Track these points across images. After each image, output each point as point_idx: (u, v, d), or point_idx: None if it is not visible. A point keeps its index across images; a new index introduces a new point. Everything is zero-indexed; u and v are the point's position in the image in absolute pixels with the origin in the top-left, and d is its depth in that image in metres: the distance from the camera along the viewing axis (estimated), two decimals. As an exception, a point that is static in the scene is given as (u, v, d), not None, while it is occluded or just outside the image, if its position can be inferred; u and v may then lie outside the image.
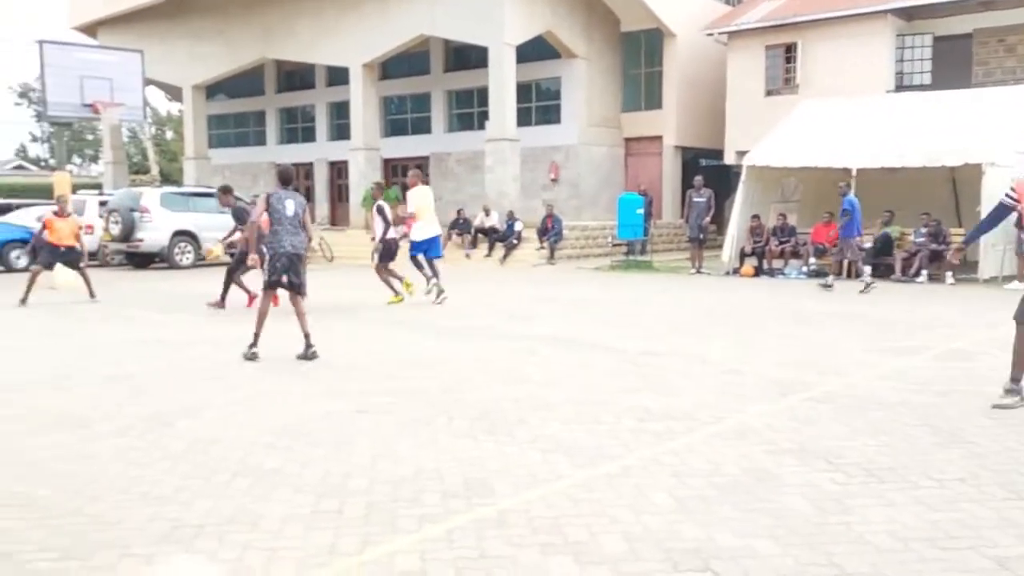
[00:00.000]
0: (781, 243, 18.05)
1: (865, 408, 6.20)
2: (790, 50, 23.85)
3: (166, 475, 4.74)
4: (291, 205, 8.41)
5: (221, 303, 12.32)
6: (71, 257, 13.53)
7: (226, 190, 12.94)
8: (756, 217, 18.29)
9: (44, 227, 13.64)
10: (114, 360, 8.34)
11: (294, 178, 8.83)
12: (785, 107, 21.67)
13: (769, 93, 24.22)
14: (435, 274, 12.99)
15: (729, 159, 24.85)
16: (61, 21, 35.85)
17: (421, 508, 4.20)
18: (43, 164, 62.11)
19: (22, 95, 65.64)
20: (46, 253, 13.39)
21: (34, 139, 67.66)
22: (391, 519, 4.06)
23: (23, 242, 20.59)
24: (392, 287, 12.98)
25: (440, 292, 12.75)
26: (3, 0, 71.80)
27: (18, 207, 24.35)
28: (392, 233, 12.80)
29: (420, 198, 12.87)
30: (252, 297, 12.06)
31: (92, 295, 13.53)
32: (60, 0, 34.03)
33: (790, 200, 19.69)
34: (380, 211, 12.76)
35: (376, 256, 12.81)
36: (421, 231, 12.92)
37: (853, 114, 18.41)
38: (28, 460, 5.04)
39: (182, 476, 4.72)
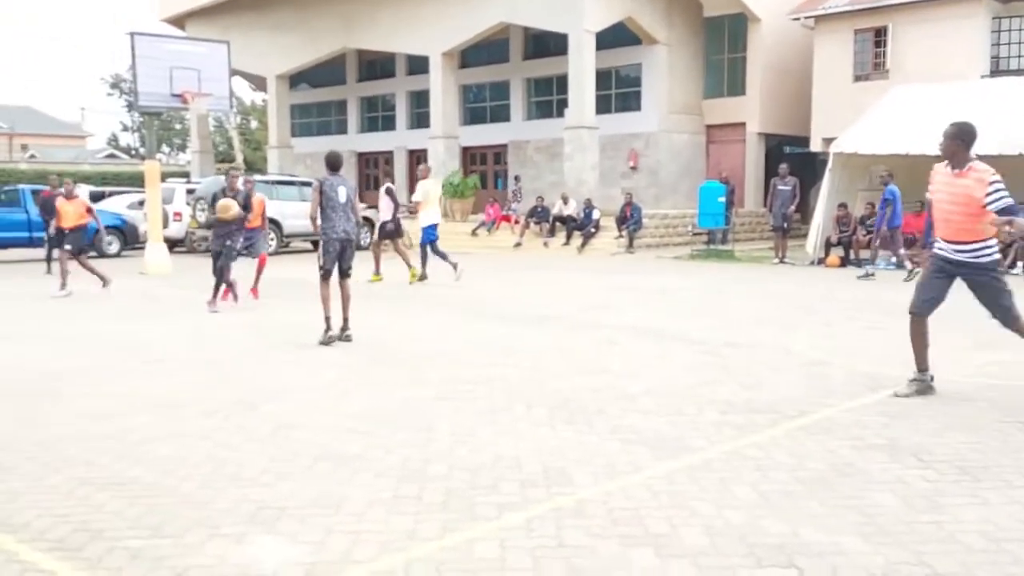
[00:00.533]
0: (868, 232, 17.52)
1: (957, 404, 5.98)
2: (880, 34, 23.11)
3: (251, 457, 4.85)
4: (343, 192, 8.54)
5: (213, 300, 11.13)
6: (73, 239, 13.16)
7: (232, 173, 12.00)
8: (843, 206, 17.81)
9: (56, 211, 13.48)
10: (199, 345, 8.57)
11: (342, 164, 8.95)
12: (874, 93, 21.03)
13: (858, 78, 23.53)
14: (424, 260, 14.14)
15: (815, 146, 24.25)
16: (150, 14, 36.81)
17: (500, 496, 4.20)
18: (134, 153, 64.32)
19: (114, 86, 68.01)
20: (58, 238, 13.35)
21: (125, 128, 70.09)
22: (470, 506, 4.07)
23: (116, 229, 21.33)
24: (377, 266, 14.33)
25: (423, 278, 13.99)
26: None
27: (110, 195, 25.25)
28: (393, 214, 14.04)
29: (428, 189, 14.25)
30: (227, 291, 11.30)
31: (104, 282, 13.05)
32: (151, -6, 34.99)
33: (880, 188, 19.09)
34: (389, 192, 13.97)
35: (377, 234, 13.84)
36: (427, 217, 14.20)
37: (946, 100, 17.72)
38: (123, 440, 5.21)
39: (267, 459, 4.82)
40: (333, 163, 8.74)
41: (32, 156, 56.44)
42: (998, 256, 5.95)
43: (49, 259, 16.76)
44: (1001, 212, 5.60)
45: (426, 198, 14.14)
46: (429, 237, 14.27)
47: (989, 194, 5.66)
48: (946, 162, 5.94)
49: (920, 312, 6.24)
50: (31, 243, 19.80)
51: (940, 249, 6.05)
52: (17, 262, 19.58)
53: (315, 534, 3.75)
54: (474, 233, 23.57)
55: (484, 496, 4.20)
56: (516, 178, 27.16)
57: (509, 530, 3.78)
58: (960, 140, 5.82)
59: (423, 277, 14.11)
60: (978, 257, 5.86)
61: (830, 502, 4.10)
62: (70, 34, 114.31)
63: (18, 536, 3.74)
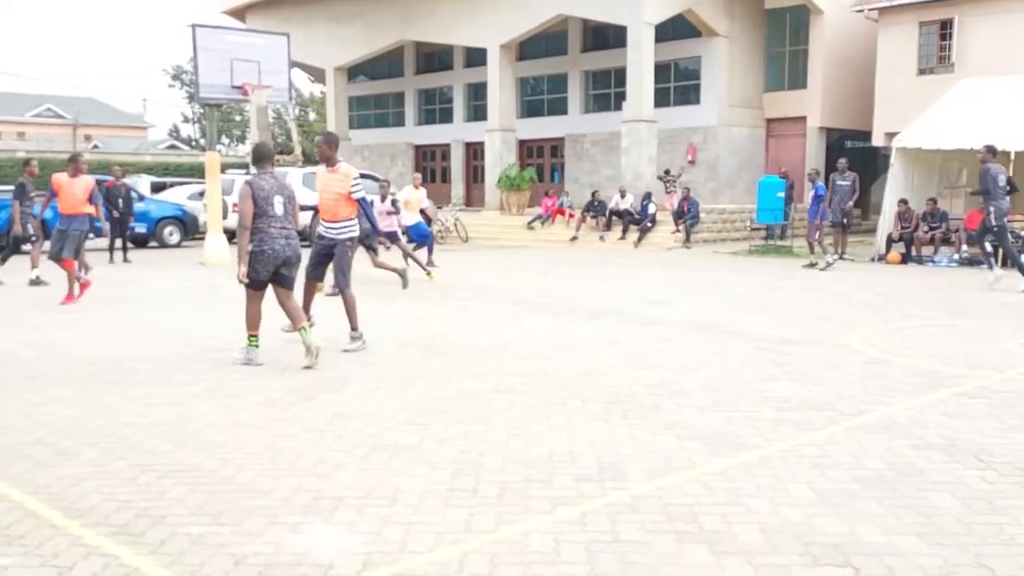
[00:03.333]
0: (931, 229, 17.15)
1: (1020, 405, 5.83)
2: (945, 26, 22.51)
3: (308, 447, 4.92)
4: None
5: None
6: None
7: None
8: (904, 202, 17.44)
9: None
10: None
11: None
12: (939, 86, 20.52)
13: (922, 72, 22.98)
14: (407, 257, 14.36)
15: (877, 141, 23.75)
16: (211, 6, 37.41)
17: (554, 490, 4.21)
18: (194, 144, 65.59)
19: (175, 77, 69.43)
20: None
21: (186, 120, 71.54)
22: (524, 499, 4.09)
23: (176, 219, 21.77)
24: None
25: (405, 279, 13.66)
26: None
27: (171, 185, 25.79)
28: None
29: (413, 196, 15.58)
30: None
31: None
32: (213, -13, 35.56)
33: (955, 186, 18.71)
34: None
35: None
36: (408, 218, 15.19)
37: (1014, 93, 17.23)
38: (184, 428, 5.33)
39: (324, 449, 4.89)
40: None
41: (95, 147, 57.88)
42: None
43: (112, 248, 17.18)
44: None
45: (408, 203, 15.36)
46: (420, 233, 15.46)
47: None
48: None
49: None
50: (94, 232, 20.26)
51: None
52: (89, 251, 20.07)
53: (371, 524, 3.80)
54: (530, 226, 23.58)
55: (539, 490, 4.21)
56: (667, 171, 26.04)
57: (563, 524, 3.79)
58: None
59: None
60: None
61: (888, 502, 4.04)
62: (133, 26, 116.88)
63: (83, 520, 3.85)
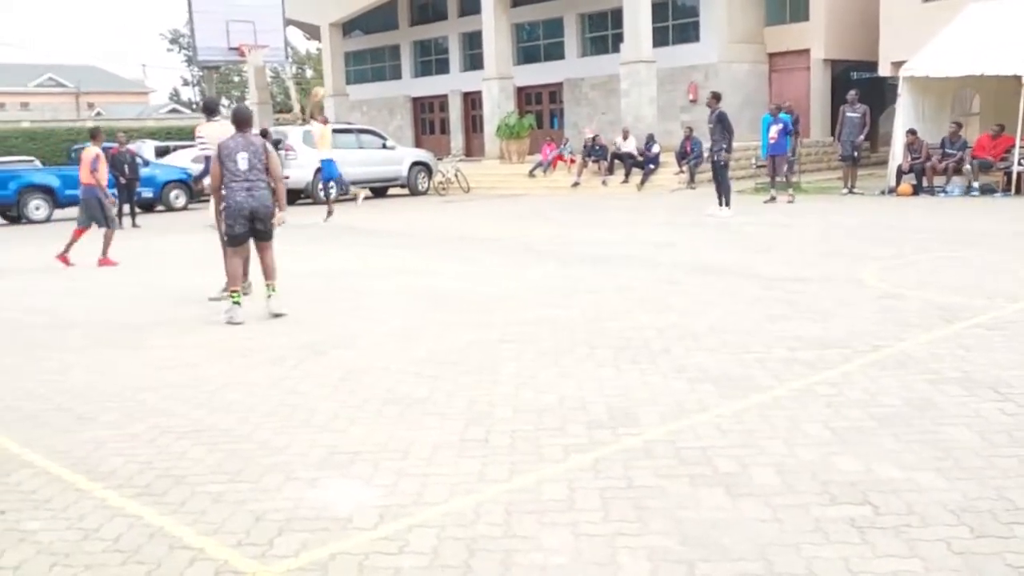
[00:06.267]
0: (945, 157, 16.88)
1: (1038, 334, 5.79)
2: (951, -51, 21.99)
3: (322, 403, 4.94)
4: (242, 158, 7.24)
5: None
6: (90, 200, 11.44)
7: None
8: (912, 132, 17.19)
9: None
10: (260, 293, 8.68)
11: (250, 118, 7.59)
12: (947, 12, 20.07)
13: (927, -2, 22.50)
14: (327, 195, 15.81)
15: (884, 71, 23.33)
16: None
17: (566, 438, 4.22)
18: (195, 107, 65.13)
19: (173, 41, 68.77)
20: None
21: (185, 83, 71.07)
22: (536, 448, 4.10)
23: (181, 182, 21.71)
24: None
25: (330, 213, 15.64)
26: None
27: (175, 149, 25.65)
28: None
29: (326, 133, 16.32)
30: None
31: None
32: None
33: (968, 113, 18.44)
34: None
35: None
36: (323, 154, 16.18)
37: (1025, 16, 16.90)
38: (199, 389, 5.35)
39: (337, 404, 4.91)
40: (237, 119, 7.42)
41: (99, 114, 57.55)
42: None
43: (120, 214, 17.14)
44: None
45: (322, 140, 16.12)
46: (329, 172, 16.27)
47: None
48: None
49: None
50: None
51: None
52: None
53: (386, 477, 3.82)
54: (531, 174, 23.42)
55: (551, 438, 4.22)
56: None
57: (577, 471, 3.80)
58: None
59: (330, 212, 15.81)
60: None
61: (905, 438, 4.03)
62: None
63: (106, 483, 3.88)
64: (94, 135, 11.95)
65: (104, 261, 11.26)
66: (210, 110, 8.74)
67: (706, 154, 13.99)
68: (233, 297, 7.38)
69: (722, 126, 13.93)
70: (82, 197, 11.63)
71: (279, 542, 3.26)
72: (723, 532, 3.18)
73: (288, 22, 23.20)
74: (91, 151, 11.57)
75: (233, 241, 7.41)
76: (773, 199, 16.34)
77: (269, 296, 7.51)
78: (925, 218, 13.05)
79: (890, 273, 8.38)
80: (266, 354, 6.16)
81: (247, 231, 7.39)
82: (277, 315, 7.41)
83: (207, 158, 8.49)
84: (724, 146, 13.97)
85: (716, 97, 14.17)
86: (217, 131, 8.24)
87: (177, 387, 5.40)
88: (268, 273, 7.54)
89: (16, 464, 4.18)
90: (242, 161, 7.22)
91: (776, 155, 16.81)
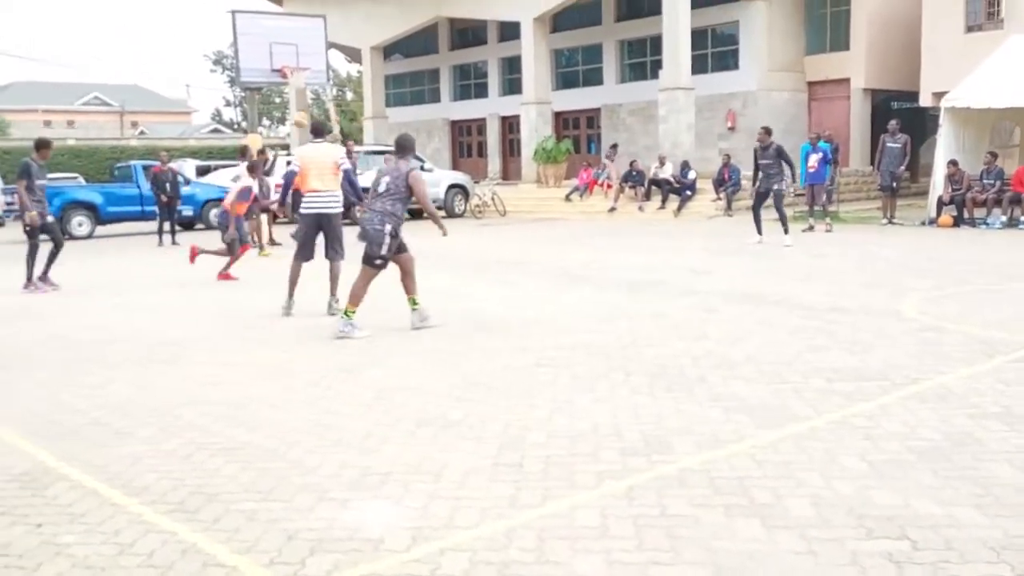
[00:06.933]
0: (986, 188, 16.66)
1: (1084, 371, 5.68)
2: (993, -19, 21.83)
3: (356, 423, 4.96)
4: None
5: None
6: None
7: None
8: (953, 163, 17.00)
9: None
10: (306, 312, 8.76)
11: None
12: (989, 44, 19.90)
13: (970, 29, 22.30)
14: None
15: (925, 101, 23.14)
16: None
17: (600, 464, 4.19)
18: (236, 127, 66.15)
19: (216, 62, 69.96)
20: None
21: (227, 103, 72.15)
22: (570, 474, 4.08)
23: (221, 201, 21.99)
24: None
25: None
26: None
27: (215, 168, 26.04)
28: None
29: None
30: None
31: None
32: (249, -30, 35.71)
33: (1008, 145, 18.22)
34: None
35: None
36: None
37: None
38: (235, 406, 5.40)
39: (371, 424, 4.93)
40: (400, 145, 7.68)
41: (142, 133, 58.70)
42: None
43: (161, 231, 17.46)
44: None
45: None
46: None
47: None
48: None
49: None
50: (143, 216, 20.59)
51: None
52: (132, 235, 20.42)
53: (418, 499, 3.82)
54: (567, 198, 23.46)
55: (584, 464, 4.20)
56: (614, 147, 26.37)
57: (610, 498, 3.77)
58: None
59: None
60: None
61: (944, 473, 3.96)
62: (175, 14, 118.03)
63: (141, 498, 3.93)
64: (252, 168, 12.80)
65: (224, 276, 11.37)
66: (317, 132, 8.85)
67: (761, 187, 13.88)
68: (347, 313, 7.46)
69: (782, 159, 13.99)
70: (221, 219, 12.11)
71: (311, 562, 3.27)
72: (758, 564, 3.14)
73: (330, 45, 23.50)
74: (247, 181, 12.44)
75: (366, 260, 7.50)
76: (811, 228, 16.21)
77: (414, 310, 7.70)
78: (966, 250, 12.87)
79: (930, 305, 8.26)
80: (303, 373, 6.21)
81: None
82: (419, 328, 7.60)
83: (285, 186, 8.80)
84: (786, 177, 14.19)
85: (768, 132, 14.18)
86: (310, 152, 8.50)
87: (214, 404, 5.45)
88: (350, 297, 7.50)
89: (53, 477, 4.24)
90: (382, 185, 7.46)
91: (815, 184, 16.71)
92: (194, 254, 11.10)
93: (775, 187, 13.92)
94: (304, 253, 8.61)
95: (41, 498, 3.98)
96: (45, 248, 10.86)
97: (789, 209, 20.48)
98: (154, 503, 3.87)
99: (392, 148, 8.27)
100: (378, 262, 7.43)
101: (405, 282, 7.72)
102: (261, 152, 18.24)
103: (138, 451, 4.59)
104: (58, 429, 5.04)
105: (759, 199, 14.16)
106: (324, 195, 8.42)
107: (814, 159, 16.64)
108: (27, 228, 10.78)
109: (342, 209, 8.60)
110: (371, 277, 7.49)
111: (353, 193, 8.59)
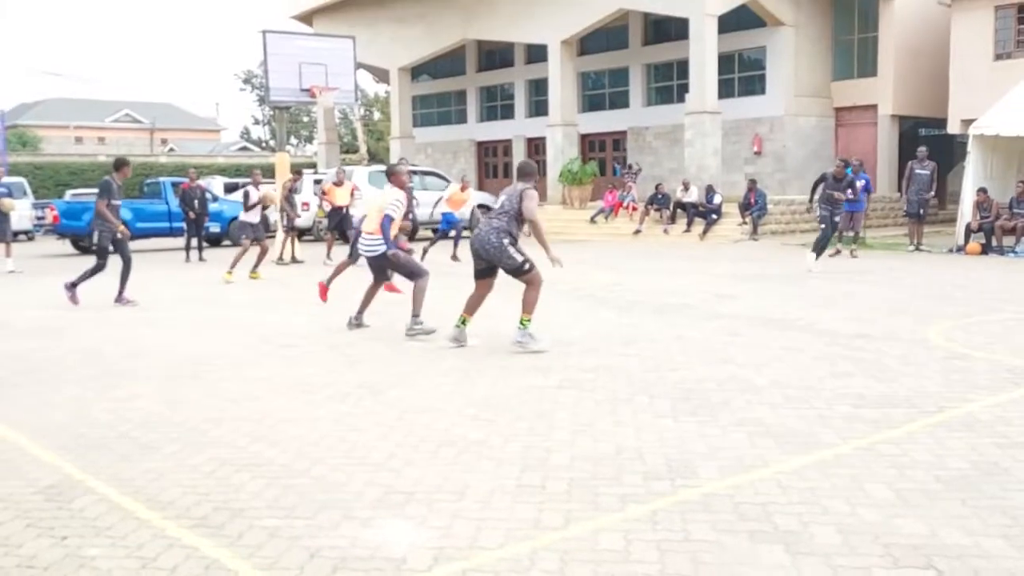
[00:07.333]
0: (1014, 216, 16.51)
1: (1115, 402, 5.60)
2: (1023, 10, 21.72)
3: (379, 442, 4.98)
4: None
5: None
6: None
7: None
8: (983, 191, 16.89)
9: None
10: (328, 331, 8.83)
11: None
12: (1017, 72, 19.81)
13: (999, 57, 22.20)
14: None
15: (953, 128, 23.02)
16: (280, 11, 38.18)
17: (623, 487, 4.18)
18: (264, 145, 66.87)
19: (246, 81, 70.83)
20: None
21: (256, 122, 73.03)
22: (593, 497, 4.07)
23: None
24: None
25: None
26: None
27: (243, 186, 26.31)
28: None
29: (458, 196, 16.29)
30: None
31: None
32: (280, -9, 36.19)
33: None
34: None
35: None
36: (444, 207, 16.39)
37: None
38: (260, 423, 5.43)
39: (394, 444, 4.94)
40: (521, 171, 7.95)
41: (171, 150, 59.42)
42: None
43: (188, 247, 17.65)
44: None
45: (451, 200, 16.28)
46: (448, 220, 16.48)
47: None
48: None
49: None
50: (171, 233, 20.82)
51: None
52: (160, 251, 20.64)
53: (441, 519, 3.82)
54: (592, 220, 23.47)
55: (607, 487, 4.19)
56: (629, 166, 26.39)
57: (634, 522, 3.76)
58: None
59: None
60: None
61: (972, 502, 3.91)
62: (207, 34, 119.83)
63: (165, 513, 3.95)
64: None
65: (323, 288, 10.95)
66: (388, 174, 8.61)
67: (836, 216, 13.82)
68: (523, 323, 7.60)
69: (854, 189, 14.23)
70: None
71: (334, 579, 3.27)
72: (782, 592, 3.12)
73: (359, 65, 23.76)
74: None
75: (475, 274, 7.81)
76: (838, 252, 16.10)
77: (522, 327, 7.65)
78: (994, 278, 12.75)
79: (958, 333, 8.18)
80: (328, 390, 6.24)
81: (481, 268, 7.74)
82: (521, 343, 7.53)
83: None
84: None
85: (846, 164, 14.34)
86: (369, 197, 8.50)
87: (239, 420, 5.49)
88: (523, 306, 7.65)
89: (79, 491, 4.28)
90: (498, 203, 7.78)
91: (855, 212, 16.54)
92: (324, 291, 10.69)
93: (836, 218, 13.90)
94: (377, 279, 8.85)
95: (67, 511, 4.02)
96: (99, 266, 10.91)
97: (815, 235, 20.48)
98: (178, 517, 3.90)
99: (383, 169, 8.28)
100: (527, 267, 7.56)
101: (471, 300, 7.89)
102: (297, 173, 18.47)
103: (163, 465, 4.63)
104: (85, 442, 5.09)
105: (834, 229, 14.00)
106: (371, 238, 8.36)
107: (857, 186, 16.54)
108: (95, 247, 10.93)
109: (386, 249, 8.27)
110: (535, 280, 7.63)
111: (384, 241, 8.20)
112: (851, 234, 16.78)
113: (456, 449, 4.82)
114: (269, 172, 27.78)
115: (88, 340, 8.53)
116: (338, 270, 10.40)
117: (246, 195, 14.14)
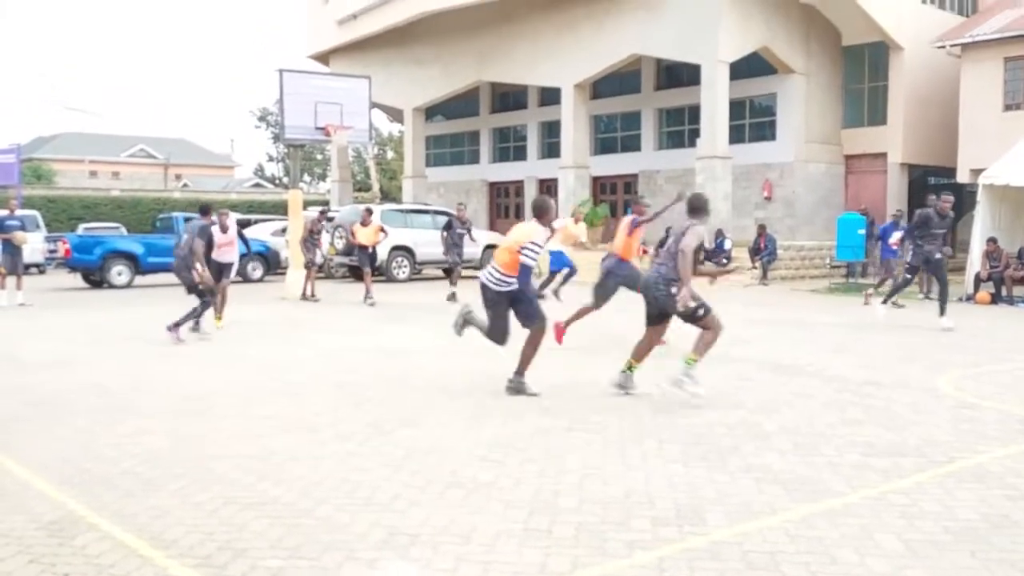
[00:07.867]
0: (1022, 266, 16.51)
1: None
2: (1033, 61, 21.90)
3: (385, 482, 4.95)
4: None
5: None
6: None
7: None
8: (992, 240, 16.87)
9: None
10: (336, 368, 8.83)
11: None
12: (1027, 122, 19.92)
13: (1008, 107, 22.36)
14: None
15: (962, 178, 23.10)
16: (298, 51, 38.78)
17: (630, 533, 4.15)
18: (277, 182, 67.39)
19: (261, 118, 71.59)
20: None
21: (270, 159, 73.63)
22: (600, 542, 4.03)
23: (259, 255, 22.27)
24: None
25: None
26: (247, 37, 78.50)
27: (256, 222, 26.49)
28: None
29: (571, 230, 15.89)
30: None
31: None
32: (299, 33, 36.80)
33: None
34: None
35: None
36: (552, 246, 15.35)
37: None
38: (266, 461, 5.42)
39: (400, 484, 4.91)
40: (691, 206, 7.52)
41: (185, 185, 59.92)
42: None
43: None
44: None
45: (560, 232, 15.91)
46: (560, 262, 16.02)
47: None
48: None
49: None
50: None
51: None
52: (169, 286, 20.70)
53: (447, 562, 3.79)
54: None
55: (615, 532, 4.15)
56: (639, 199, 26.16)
57: (640, 569, 3.72)
58: None
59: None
60: None
61: (981, 554, 3.87)
62: (223, 70, 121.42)
63: (168, 552, 3.93)
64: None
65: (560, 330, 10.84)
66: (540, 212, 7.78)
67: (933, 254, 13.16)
68: (688, 362, 7.23)
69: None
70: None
71: (337, 621, 3.24)
72: (790, 643, 3.07)
73: (373, 105, 24.00)
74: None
75: (647, 319, 7.59)
76: (897, 304, 15.29)
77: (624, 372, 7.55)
78: (1004, 328, 12.69)
79: (967, 382, 8.13)
80: (334, 429, 6.22)
81: (652, 313, 7.51)
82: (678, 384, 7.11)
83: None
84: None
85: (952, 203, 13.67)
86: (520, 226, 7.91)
87: (244, 458, 5.47)
88: (694, 346, 7.32)
89: (82, 527, 4.26)
90: (669, 243, 7.42)
91: (893, 259, 16.56)
92: (560, 333, 10.46)
93: (936, 256, 12.73)
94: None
95: (69, 547, 4.00)
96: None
97: (824, 281, 20.48)
98: (181, 556, 3.88)
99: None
100: (701, 311, 7.20)
101: (641, 346, 7.63)
102: (321, 213, 18.59)
103: (167, 503, 4.61)
104: (89, 477, 5.08)
105: (925, 266, 13.13)
106: (498, 273, 7.77)
107: (896, 236, 16.50)
108: (199, 285, 11.12)
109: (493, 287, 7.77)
110: (712, 324, 7.29)
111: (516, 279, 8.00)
112: (877, 280, 16.70)
113: (463, 491, 4.79)
114: (282, 209, 28.01)
115: (96, 374, 8.54)
116: (580, 313, 10.65)
117: (210, 236, 12.19)
